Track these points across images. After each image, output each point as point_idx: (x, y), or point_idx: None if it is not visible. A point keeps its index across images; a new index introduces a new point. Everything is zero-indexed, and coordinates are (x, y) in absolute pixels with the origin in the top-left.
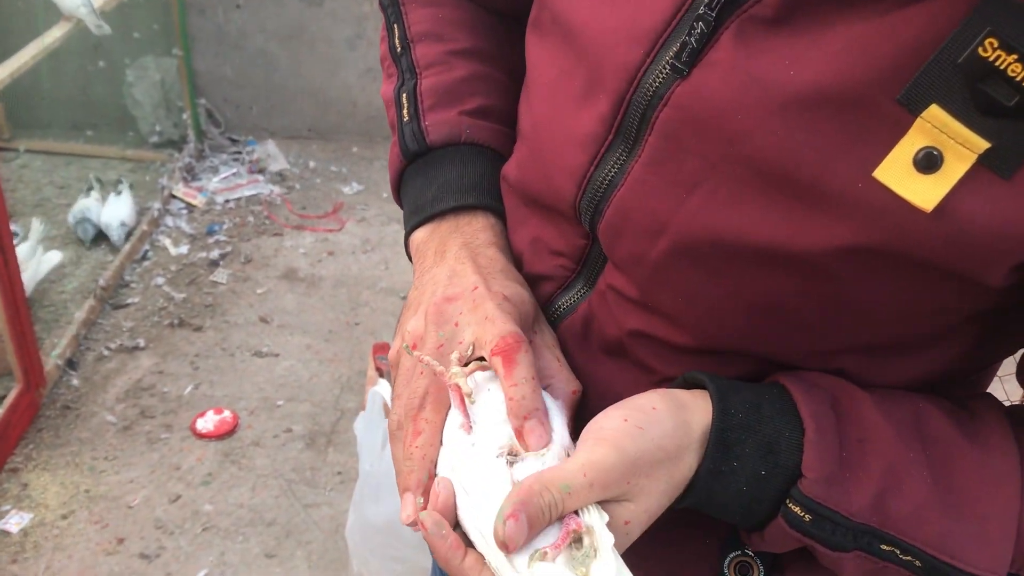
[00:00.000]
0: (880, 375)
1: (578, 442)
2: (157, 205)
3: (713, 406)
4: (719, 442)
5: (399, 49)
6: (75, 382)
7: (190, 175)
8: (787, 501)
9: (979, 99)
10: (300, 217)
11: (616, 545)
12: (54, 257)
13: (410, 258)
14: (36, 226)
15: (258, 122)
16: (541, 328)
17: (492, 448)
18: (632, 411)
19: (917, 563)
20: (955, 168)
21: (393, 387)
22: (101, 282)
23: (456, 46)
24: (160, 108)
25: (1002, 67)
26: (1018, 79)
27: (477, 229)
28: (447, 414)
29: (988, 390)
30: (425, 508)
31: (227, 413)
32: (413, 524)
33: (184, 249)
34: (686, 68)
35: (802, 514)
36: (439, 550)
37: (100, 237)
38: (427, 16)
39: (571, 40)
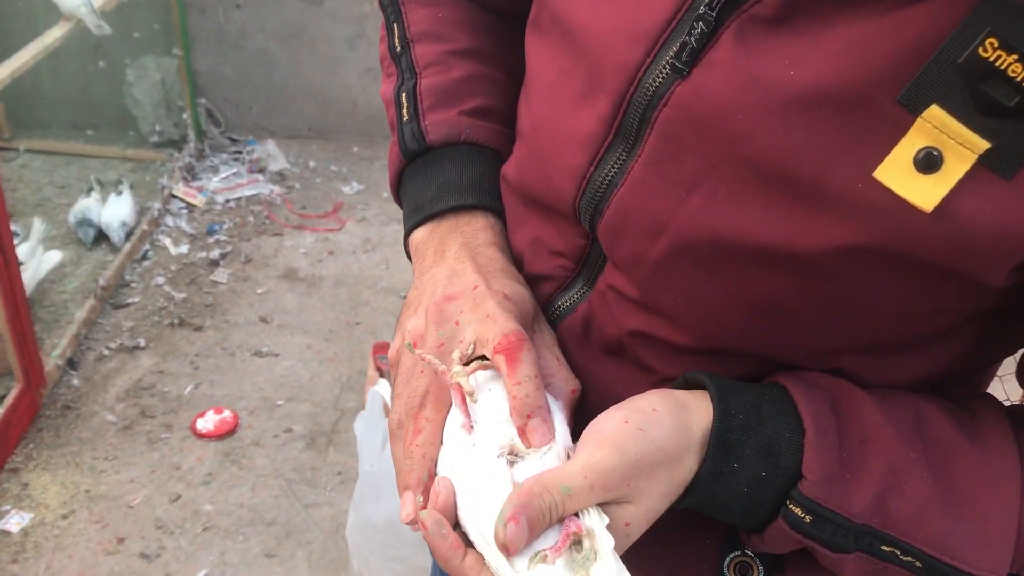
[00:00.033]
0: (880, 375)
1: (578, 443)
2: (157, 205)
3: (713, 407)
4: (719, 443)
5: (399, 49)
6: (75, 382)
7: (190, 175)
8: (787, 502)
9: (979, 99)
10: (300, 217)
11: (616, 547)
12: (54, 257)
13: (409, 258)
14: (38, 226)
15: (258, 122)
16: (541, 327)
17: (493, 448)
18: (633, 412)
19: (917, 564)
20: (955, 168)
21: (393, 386)
22: (101, 282)
23: (455, 46)
24: (160, 108)
25: (1002, 67)
26: (1018, 79)
27: (477, 229)
28: (448, 413)
29: (988, 390)
30: (425, 507)
31: (227, 413)
32: (413, 523)
33: (184, 249)
34: (686, 68)
35: (802, 515)
36: (439, 550)
37: (100, 237)
38: (427, 16)
39: (571, 40)
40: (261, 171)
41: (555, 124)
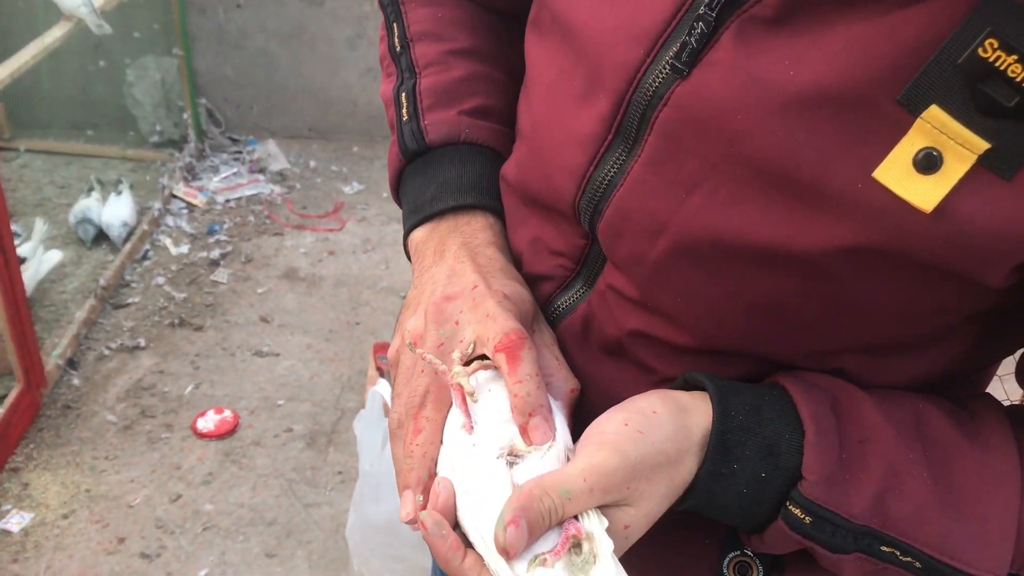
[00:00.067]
0: (880, 375)
1: (578, 445)
2: (158, 205)
3: (713, 408)
4: (719, 445)
5: (398, 48)
6: (76, 382)
7: (191, 175)
8: (787, 503)
9: (979, 99)
10: (301, 217)
11: (615, 550)
12: (54, 257)
13: (409, 257)
14: (39, 226)
15: (259, 122)
16: (540, 327)
17: (493, 449)
18: (632, 414)
19: (917, 564)
20: (955, 169)
21: (393, 386)
22: (102, 282)
23: (455, 45)
24: (160, 108)
25: (1002, 67)
26: (1018, 79)
27: (476, 228)
28: (448, 413)
29: (988, 390)
30: (425, 507)
31: (227, 413)
32: (412, 522)
33: (185, 249)
34: (686, 68)
35: (802, 516)
36: (439, 550)
37: (101, 237)
38: (426, 15)
39: (571, 40)
40: (261, 171)
41: (555, 124)
